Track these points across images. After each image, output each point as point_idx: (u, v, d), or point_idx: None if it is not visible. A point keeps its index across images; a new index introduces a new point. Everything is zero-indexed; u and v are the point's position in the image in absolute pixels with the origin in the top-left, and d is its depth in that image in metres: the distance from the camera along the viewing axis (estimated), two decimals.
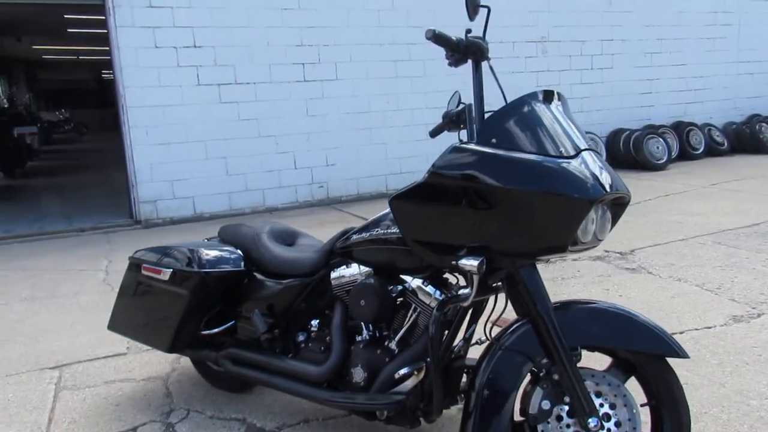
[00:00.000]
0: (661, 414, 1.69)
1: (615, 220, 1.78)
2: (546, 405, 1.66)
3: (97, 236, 6.06)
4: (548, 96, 1.75)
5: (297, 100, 6.71)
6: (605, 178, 1.61)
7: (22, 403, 2.65)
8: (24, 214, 7.32)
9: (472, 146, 1.63)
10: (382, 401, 1.90)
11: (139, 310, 2.46)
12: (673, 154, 8.67)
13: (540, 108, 1.68)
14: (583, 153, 1.63)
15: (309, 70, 6.72)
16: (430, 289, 1.96)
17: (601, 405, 1.67)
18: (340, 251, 2.10)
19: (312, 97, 6.77)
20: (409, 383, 1.87)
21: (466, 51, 1.73)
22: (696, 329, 3.00)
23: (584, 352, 1.72)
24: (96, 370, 2.94)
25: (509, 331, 1.76)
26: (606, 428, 1.66)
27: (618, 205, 1.77)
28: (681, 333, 2.96)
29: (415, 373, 1.84)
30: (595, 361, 1.77)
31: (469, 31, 1.70)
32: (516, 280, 1.72)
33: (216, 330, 2.38)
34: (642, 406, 1.76)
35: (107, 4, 5.83)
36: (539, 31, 8.05)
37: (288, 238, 2.46)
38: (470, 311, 2.06)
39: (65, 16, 11.11)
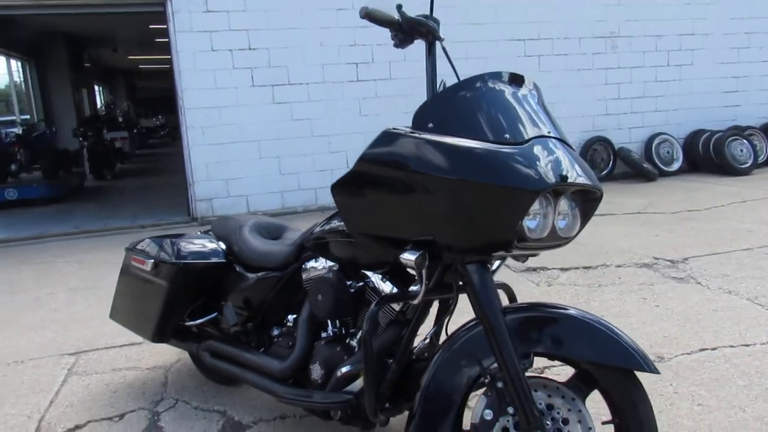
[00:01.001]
0: None
1: (587, 216, 1.61)
2: (488, 415, 1.51)
3: (155, 233, 6.32)
4: (516, 79, 1.59)
5: (350, 99, 6.72)
6: (560, 169, 1.45)
7: (32, 385, 2.78)
8: (98, 211, 7.80)
9: (401, 131, 1.51)
10: (330, 400, 1.81)
11: (129, 299, 2.51)
12: (760, 158, 7.95)
13: (493, 90, 1.53)
14: (537, 140, 1.47)
15: (362, 69, 6.71)
16: (387, 285, 1.86)
17: (553, 419, 1.50)
18: (309, 245, 2.04)
19: (365, 97, 6.76)
20: (359, 383, 1.77)
21: (410, 31, 1.61)
22: (731, 346, 2.68)
23: (558, 364, 1.56)
24: (109, 358, 3.04)
25: (461, 332, 1.63)
26: None
27: (589, 201, 1.59)
28: (713, 349, 2.66)
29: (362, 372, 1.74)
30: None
31: (400, 6, 1.58)
32: (465, 277, 1.58)
33: (199, 321, 2.38)
34: (605, 423, 1.58)
35: (167, 10, 6.09)
36: (609, 26, 7.63)
37: (274, 232, 2.42)
38: (436, 311, 1.94)
39: (150, 26, 11.75)
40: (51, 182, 9.07)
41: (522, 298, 3.44)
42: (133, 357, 3.02)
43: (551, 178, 1.41)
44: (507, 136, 1.46)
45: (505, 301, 1.72)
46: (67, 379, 2.82)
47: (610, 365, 1.48)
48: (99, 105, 19.65)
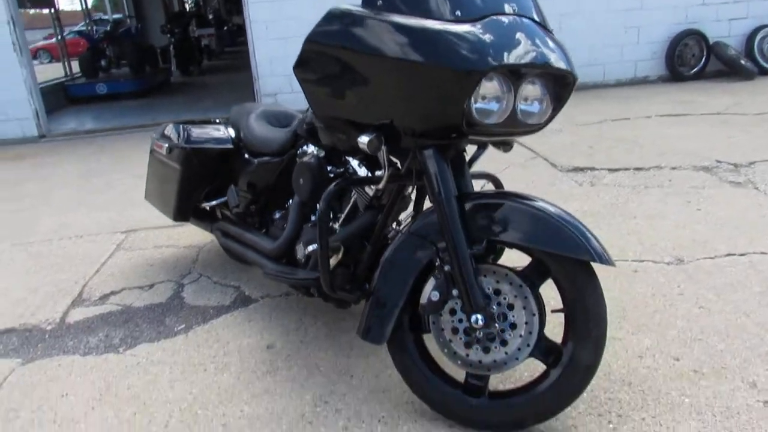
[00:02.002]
0: (571, 323, 1.49)
1: (560, 102, 1.52)
2: (435, 296, 1.54)
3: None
4: None
5: None
6: (516, 49, 1.37)
7: (83, 256, 3.10)
8: (176, 106, 8.16)
9: (346, 9, 1.46)
10: (305, 277, 1.91)
11: (155, 182, 2.69)
12: None
13: None
14: (493, 18, 1.38)
15: None
16: (362, 170, 1.88)
17: (499, 304, 1.51)
18: (301, 132, 2.07)
19: None
20: (332, 262, 1.84)
21: None
22: (762, 253, 2.51)
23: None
24: (154, 237, 3.30)
25: (420, 216, 1.64)
26: (499, 328, 1.51)
27: (563, 86, 1.50)
28: (741, 255, 2.51)
29: (333, 253, 1.80)
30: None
31: None
32: (420, 162, 1.57)
33: (212, 203, 2.52)
34: (554, 311, 1.57)
35: None
36: None
37: (283, 119, 2.47)
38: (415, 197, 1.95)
39: None
40: (137, 77, 9.53)
41: (561, 197, 3.37)
42: (174, 236, 3.27)
43: (499, 58, 1.34)
44: (458, 13, 1.38)
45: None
46: (114, 253, 3.11)
47: (562, 255, 1.45)
48: (188, 2, 19.96)
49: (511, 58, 1.36)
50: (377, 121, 1.54)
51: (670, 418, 1.58)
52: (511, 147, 1.80)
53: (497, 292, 1.52)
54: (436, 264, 1.55)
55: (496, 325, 1.50)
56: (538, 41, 1.41)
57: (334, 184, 1.66)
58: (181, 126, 2.47)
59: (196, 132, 2.41)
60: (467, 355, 1.54)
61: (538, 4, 1.52)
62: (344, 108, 1.60)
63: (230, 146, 2.40)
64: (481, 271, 1.53)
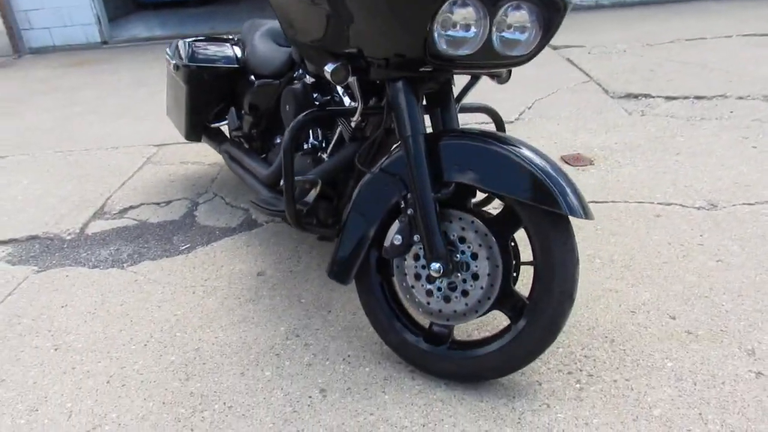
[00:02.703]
0: (538, 277, 1.38)
1: (549, 31, 1.35)
2: (398, 240, 1.46)
3: None
4: None
5: None
6: None
7: (114, 168, 3.19)
8: (240, 12, 8.07)
9: None
10: (280, 208, 1.87)
11: (170, 98, 2.67)
12: None
13: None
14: None
15: None
16: (346, 100, 1.77)
17: (462, 252, 1.42)
18: (295, 56, 1.97)
19: None
20: (312, 194, 1.79)
21: None
22: None
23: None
24: (182, 152, 3.35)
25: (391, 153, 1.54)
26: (461, 278, 1.43)
27: (553, 10, 1.32)
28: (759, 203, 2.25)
29: (311, 185, 1.74)
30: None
31: None
32: (389, 95, 1.45)
33: (219, 123, 2.49)
34: (524, 264, 1.47)
35: None
36: None
37: None
38: None
39: None
40: None
41: (605, 127, 3.12)
42: (201, 153, 3.30)
43: None
44: None
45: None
46: (143, 167, 3.18)
47: (533, 204, 1.33)
48: None
49: None
50: (345, 50, 1.42)
51: (644, 382, 1.48)
52: (507, 78, 1.64)
53: (462, 240, 1.42)
54: (401, 206, 1.46)
55: (458, 274, 1.42)
56: None
57: (303, 114, 1.58)
58: (188, 42, 2.42)
59: (203, 49, 2.35)
60: (428, 303, 1.48)
61: None
62: (314, 34, 1.48)
63: (236, 65, 2.33)
64: (447, 217, 1.43)
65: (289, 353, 1.68)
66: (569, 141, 3.05)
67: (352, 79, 1.48)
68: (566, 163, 2.78)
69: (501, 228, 1.42)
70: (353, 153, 1.75)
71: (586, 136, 3.08)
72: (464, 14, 1.25)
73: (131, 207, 2.72)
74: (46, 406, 1.56)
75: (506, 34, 1.32)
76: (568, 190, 1.31)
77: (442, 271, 1.40)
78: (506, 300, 1.43)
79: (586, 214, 1.30)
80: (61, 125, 4.04)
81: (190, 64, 2.31)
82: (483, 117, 3.21)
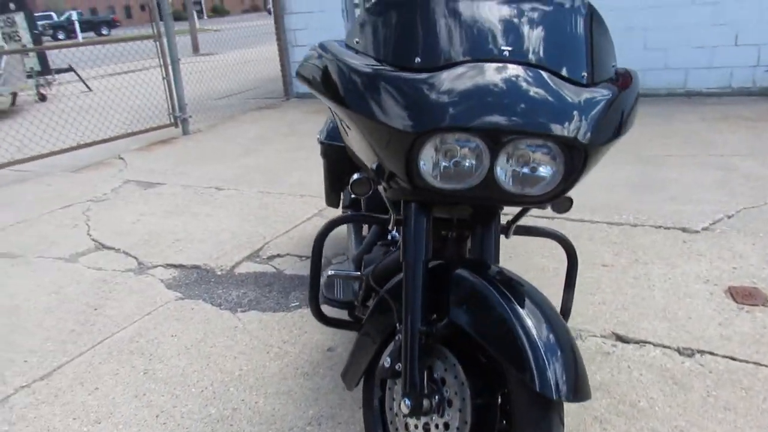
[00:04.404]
0: None
1: (574, 169, 1.21)
2: (387, 362, 1.41)
3: None
4: None
5: None
6: (477, 106, 1.13)
7: (288, 215, 3.58)
8: None
9: (323, 48, 1.36)
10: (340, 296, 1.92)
11: None
12: None
13: None
14: (466, 65, 1.16)
15: None
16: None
17: (441, 398, 1.31)
18: None
19: None
20: (355, 286, 1.83)
21: None
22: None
23: None
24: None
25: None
26: (435, 423, 1.32)
27: (574, 151, 1.19)
28: None
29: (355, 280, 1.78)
30: None
31: None
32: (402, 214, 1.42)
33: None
34: None
35: None
36: None
37: None
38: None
39: None
40: None
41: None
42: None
43: (438, 120, 1.13)
44: (418, 60, 1.19)
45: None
46: (311, 218, 3.51)
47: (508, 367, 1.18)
48: None
49: (462, 118, 1.13)
50: (371, 164, 1.44)
51: None
52: (567, 207, 1.46)
53: (443, 381, 1.32)
54: (396, 328, 1.41)
55: (433, 417, 1.32)
56: (527, 94, 1.13)
57: (332, 219, 1.63)
58: (331, 121, 2.63)
59: (332, 126, 2.54)
60: None
61: (562, 39, 1.19)
62: (349, 143, 1.54)
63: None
64: (437, 352, 1.34)
65: None
66: (754, 270, 2.52)
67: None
68: (732, 296, 2.31)
69: (489, 381, 1.28)
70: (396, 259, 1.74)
71: None
72: (444, 150, 1.19)
73: (278, 255, 3.03)
74: (107, 421, 1.85)
75: (517, 169, 1.21)
76: (554, 364, 1.13)
77: (410, 409, 1.31)
78: None
79: (570, 396, 1.11)
80: (278, 167, 4.66)
81: (324, 141, 2.52)
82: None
